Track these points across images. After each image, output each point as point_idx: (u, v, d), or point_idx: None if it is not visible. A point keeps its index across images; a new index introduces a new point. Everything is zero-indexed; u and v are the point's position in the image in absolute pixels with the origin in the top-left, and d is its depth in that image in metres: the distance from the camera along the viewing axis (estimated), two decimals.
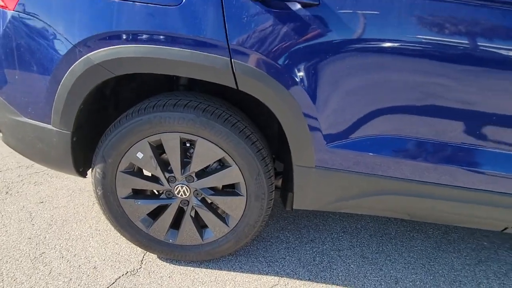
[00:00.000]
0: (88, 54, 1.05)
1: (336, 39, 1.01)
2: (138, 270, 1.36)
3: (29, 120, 1.22)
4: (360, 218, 1.78)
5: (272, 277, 1.39)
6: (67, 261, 1.38)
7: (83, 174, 1.35)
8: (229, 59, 1.03)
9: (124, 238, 1.46)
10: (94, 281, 1.30)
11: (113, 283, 1.30)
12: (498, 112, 1.06)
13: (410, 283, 1.40)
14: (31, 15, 1.07)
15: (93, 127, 1.31)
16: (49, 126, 1.20)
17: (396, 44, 1.00)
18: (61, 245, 1.46)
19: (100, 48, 1.04)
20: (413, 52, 1.01)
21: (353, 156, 1.16)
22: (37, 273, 1.31)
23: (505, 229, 1.29)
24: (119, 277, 1.32)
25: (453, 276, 1.46)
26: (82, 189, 1.84)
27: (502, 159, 1.13)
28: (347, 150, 1.15)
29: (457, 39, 0.99)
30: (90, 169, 1.31)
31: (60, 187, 1.84)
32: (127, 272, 1.35)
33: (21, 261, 1.36)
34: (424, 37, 0.99)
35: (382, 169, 1.17)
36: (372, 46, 1.01)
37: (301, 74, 1.04)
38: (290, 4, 0.99)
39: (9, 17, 1.09)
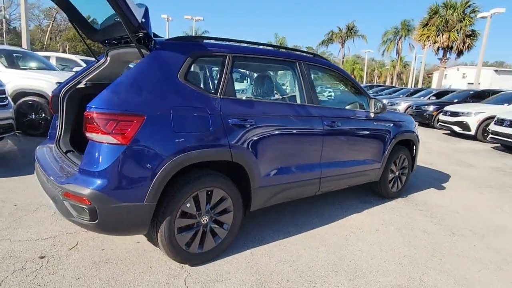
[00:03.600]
0: (173, 159, 2.20)
1: (260, 135, 2.68)
2: (189, 273, 2.41)
3: (126, 203, 2.12)
4: (268, 214, 3.42)
5: (249, 250, 2.79)
6: (164, 284, 2.22)
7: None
8: (229, 149, 2.48)
9: (173, 261, 2.43)
10: (175, 278, 2.27)
11: (184, 281, 2.31)
12: (306, 154, 3.08)
13: (304, 228, 3.19)
14: (140, 145, 2.10)
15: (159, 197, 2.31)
16: (141, 203, 2.16)
17: (279, 132, 2.80)
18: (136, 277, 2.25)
19: (178, 155, 2.22)
20: (284, 134, 2.85)
21: (271, 178, 2.84)
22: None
23: (316, 193, 3.34)
24: (185, 277, 2.34)
25: (309, 220, 3.37)
26: (104, 261, 2.48)
27: (308, 167, 3.14)
28: (268, 176, 2.82)
29: (290, 127, 2.92)
30: (158, 222, 2.29)
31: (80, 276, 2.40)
32: (186, 276, 2.37)
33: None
34: (282, 127, 2.85)
35: (282, 180, 2.91)
36: (270, 134, 2.76)
37: (253, 150, 2.63)
38: (243, 124, 2.59)
39: (124, 148, 2.06)
